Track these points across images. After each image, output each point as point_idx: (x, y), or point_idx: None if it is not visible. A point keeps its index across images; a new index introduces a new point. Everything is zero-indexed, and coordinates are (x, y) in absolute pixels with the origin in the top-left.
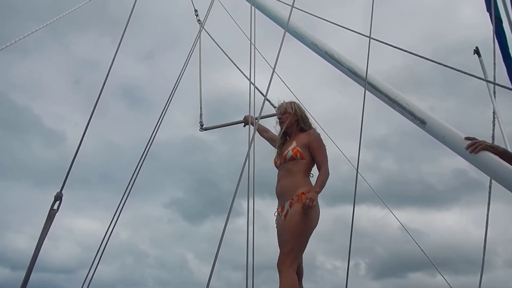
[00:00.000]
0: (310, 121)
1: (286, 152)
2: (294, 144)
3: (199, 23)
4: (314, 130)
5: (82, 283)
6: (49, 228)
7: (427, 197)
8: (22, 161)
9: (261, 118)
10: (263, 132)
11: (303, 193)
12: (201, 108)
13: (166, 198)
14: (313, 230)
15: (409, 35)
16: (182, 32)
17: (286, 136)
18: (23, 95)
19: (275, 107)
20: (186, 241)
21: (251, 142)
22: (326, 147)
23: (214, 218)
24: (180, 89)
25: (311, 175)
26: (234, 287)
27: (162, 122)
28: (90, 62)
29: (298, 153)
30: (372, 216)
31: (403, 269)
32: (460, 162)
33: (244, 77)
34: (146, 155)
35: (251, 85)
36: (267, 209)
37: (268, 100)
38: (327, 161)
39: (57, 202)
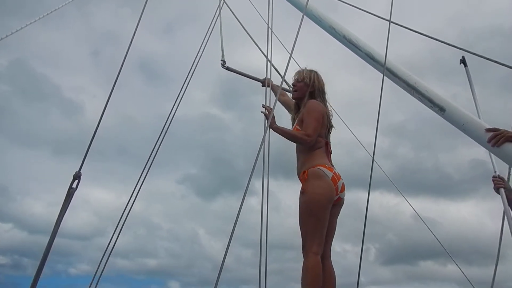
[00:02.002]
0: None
1: None
2: (296, 122)
3: None
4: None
5: (99, 251)
6: (67, 206)
7: (443, 186)
8: (41, 130)
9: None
10: (280, 95)
11: (304, 171)
12: (222, 46)
13: (180, 173)
14: (320, 206)
15: (432, 19)
16: (202, 7)
17: (299, 108)
18: (43, 63)
19: (290, 86)
20: (198, 217)
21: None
22: (318, 111)
23: (227, 195)
24: (199, 64)
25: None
26: (244, 264)
27: (179, 98)
28: (109, 33)
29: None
30: (385, 203)
31: (414, 257)
32: (478, 153)
33: (262, 56)
34: (166, 132)
35: (268, 63)
36: (280, 189)
37: (285, 81)
38: (312, 126)
39: (76, 181)
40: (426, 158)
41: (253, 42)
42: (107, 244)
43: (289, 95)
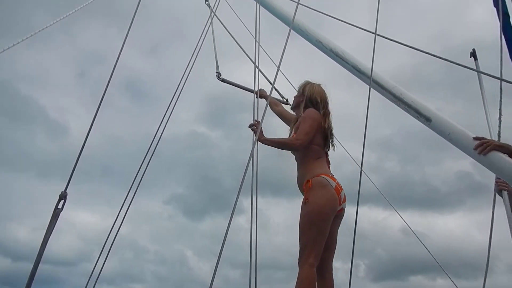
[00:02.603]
0: (324, 103)
1: None
2: (293, 132)
3: (209, 8)
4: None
5: (84, 276)
6: (53, 227)
7: (430, 199)
8: (25, 152)
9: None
10: (273, 105)
11: (307, 181)
12: (216, 58)
13: (167, 193)
14: (323, 216)
15: (417, 35)
16: (188, 26)
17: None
18: (28, 84)
19: (284, 98)
20: (186, 238)
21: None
22: (312, 119)
23: (215, 214)
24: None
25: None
26: (232, 285)
27: (165, 117)
28: (95, 53)
29: None
30: (373, 217)
31: (403, 272)
32: (464, 165)
33: (251, 70)
34: (153, 152)
35: (257, 73)
36: (268, 207)
37: (275, 88)
38: (304, 131)
39: (62, 201)
40: (413, 172)
41: (241, 58)
42: (92, 269)
43: (285, 107)
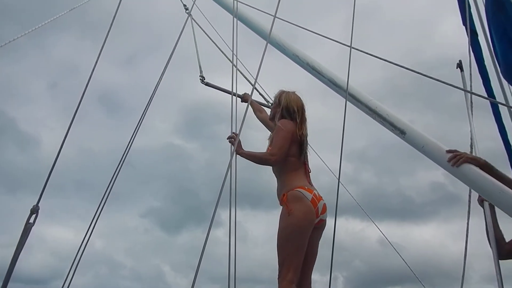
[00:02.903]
0: (301, 110)
1: None
2: (268, 143)
3: (187, 13)
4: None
5: None
6: (25, 242)
7: (406, 210)
8: None
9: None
10: (257, 111)
11: (283, 194)
12: (199, 62)
13: (143, 207)
14: (300, 230)
15: (390, 51)
16: (166, 37)
17: None
18: None
19: (268, 102)
20: (163, 252)
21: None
22: (285, 130)
23: (193, 228)
24: (159, 95)
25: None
26: None
27: (140, 128)
28: (68, 65)
29: None
30: (351, 228)
31: (382, 283)
32: (438, 176)
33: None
34: (123, 162)
35: (235, 73)
36: (246, 219)
37: (256, 89)
38: (278, 145)
39: (33, 216)
40: (388, 183)
41: (219, 68)
42: (62, 286)
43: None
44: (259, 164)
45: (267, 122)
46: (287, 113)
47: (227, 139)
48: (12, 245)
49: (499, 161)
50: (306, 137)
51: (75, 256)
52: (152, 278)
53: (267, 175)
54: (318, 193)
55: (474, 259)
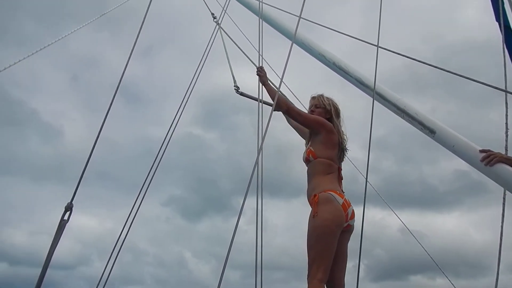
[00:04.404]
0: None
1: (303, 154)
2: (309, 144)
3: (215, 22)
4: None
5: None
6: (59, 238)
7: (428, 199)
8: (19, 156)
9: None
10: (291, 119)
11: (314, 195)
12: (232, 73)
13: (165, 196)
14: (328, 231)
15: (408, 37)
16: (185, 31)
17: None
18: (20, 89)
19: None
20: (184, 240)
21: (261, 145)
22: (327, 123)
23: (213, 215)
24: (178, 87)
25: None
26: (232, 286)
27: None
28: (87, 58)
29: (310, 154)
30: (371, 217)
31: (403, 272)
32: (461, 164)
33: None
34: (161, 158)
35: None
36: (266, 208)
37: (279, 90)
38: (308, 114)
39: (68, 213)
40: (410, 171)
41: (243, 68)
42: (102, 273)
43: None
44: (277, 107)
45: (300, 128)
46: (336, 119)
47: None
48: (37, 232)
49: None
50: (344, 143)
51: (113, 248)
52: (175, 265)
53: (287, 164)
54: (348, 199)
55: (497, 250)
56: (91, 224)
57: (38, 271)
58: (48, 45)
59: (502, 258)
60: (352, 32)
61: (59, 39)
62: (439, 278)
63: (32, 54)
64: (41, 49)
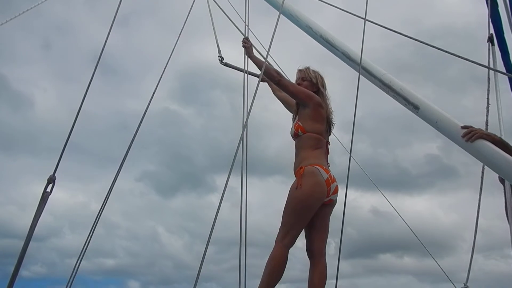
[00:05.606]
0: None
1: (291, 128)
2: (297, 118)
3: None
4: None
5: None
6: (42, 210)
7: (401, 181)
8: None
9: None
10: (277, 90)
11: (300, 167)
12: (217, 43)
13: (139, 170)
14: (306, 204)
15: (390, 19)
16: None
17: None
18: None
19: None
20: (157, 214)
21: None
22: (314, 96)
23: (187, 192)
24: (154, 60)
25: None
26: (206, 261)
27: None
28: (61, 24)
29: (299, 128)
30: (342, 197)
31: (372, 250)
32: (432, 148)
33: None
34: (136, 133)
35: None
36: (240, 185)
37: (266, 61)
38: (295, 85)
39: (50, 185)
40: (384, 154)
41: (228, 38)
42: (82, 247)
43: None
44: (264, 75)
45: (286, 100)
46: (322, 92)
47: (242, 42)
48: (8, 202)
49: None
50: (331, 116)
51: (94, 220)
52: (147, 238)
53: (262, 143)
54: (333, 175)
55: (465, 230)
56: (62, 196)
57: (11, 242)
58: (24, 12)
59: (468, 239)
60: (339, 4)
61: (35, 6)
62: (406, 256)
63: (7, 22)
64: (16, 17)
